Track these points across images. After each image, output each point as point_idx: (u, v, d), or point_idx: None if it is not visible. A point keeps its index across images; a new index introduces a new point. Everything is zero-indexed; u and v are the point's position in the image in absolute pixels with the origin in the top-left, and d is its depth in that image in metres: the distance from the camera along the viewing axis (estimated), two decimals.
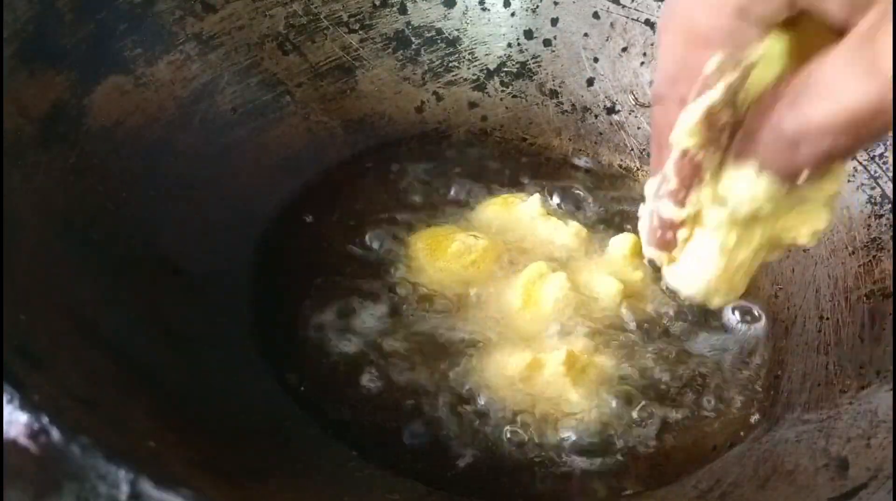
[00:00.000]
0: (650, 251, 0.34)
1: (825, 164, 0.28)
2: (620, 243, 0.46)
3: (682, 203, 0.31)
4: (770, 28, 0.28)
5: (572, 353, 0.41)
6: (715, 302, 0.35)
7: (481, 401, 0.40)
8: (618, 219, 0.49)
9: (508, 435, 0.39)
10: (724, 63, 0.28)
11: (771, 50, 0.28)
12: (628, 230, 0.47)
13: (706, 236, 0.32)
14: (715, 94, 0.28)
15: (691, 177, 0.30)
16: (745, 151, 0.29)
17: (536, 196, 0.48)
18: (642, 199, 0.49)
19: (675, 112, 0.30)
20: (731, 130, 0.29)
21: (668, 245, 0.33)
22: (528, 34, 0.52)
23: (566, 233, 0.47)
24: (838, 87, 0.26)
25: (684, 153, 0.30)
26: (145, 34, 0.45)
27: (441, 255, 0.45)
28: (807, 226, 0.32)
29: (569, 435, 0.39)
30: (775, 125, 0.28)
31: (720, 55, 0.28)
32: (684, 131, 0.29)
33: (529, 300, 0.43)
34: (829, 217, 0.32)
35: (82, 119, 0.41)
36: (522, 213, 0.47)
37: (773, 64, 0.28)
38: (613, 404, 0.40)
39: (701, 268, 0.33)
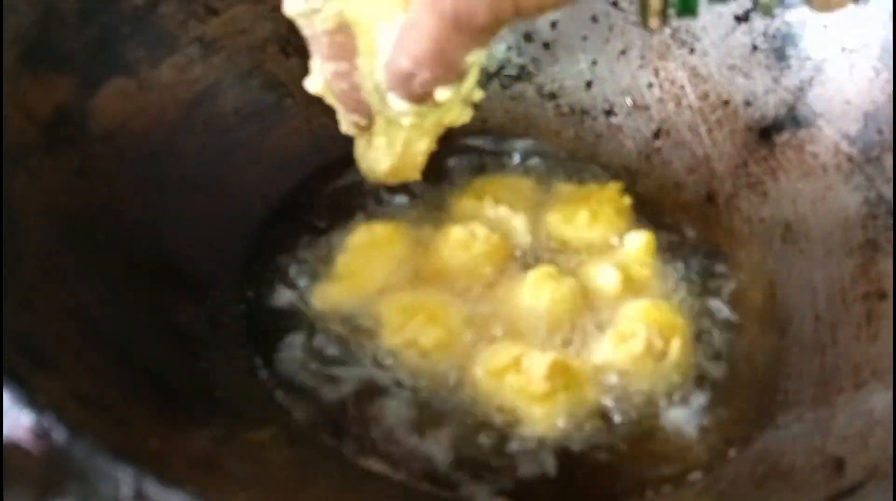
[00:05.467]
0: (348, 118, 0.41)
1: (438, 85, 0.35)
2: (636, 239, 0.45)
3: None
4: None
5: (558, 362, 0.39)
6: (392, 180, 0.44)
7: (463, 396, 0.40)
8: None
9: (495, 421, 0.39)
10: None
11: None
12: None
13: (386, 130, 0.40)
14: None
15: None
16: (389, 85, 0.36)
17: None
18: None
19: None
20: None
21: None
22: (528, 37, 0.52)
23: (587, 234, 0.46)
24: (416, 24, 0.33)
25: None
26: (148, 37, 0.45)
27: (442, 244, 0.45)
28: (456, 114, 0.40)
29: (547, 438, 0.39)
30: (393, 63, 0.35)
31: None
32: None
33: (534, 302, 0.42)
34: (468, 111, 0.40)
35: (86, 122, 0.42)
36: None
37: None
38: (592, 408, 0.40)
39: (385, 154, 0.41)
